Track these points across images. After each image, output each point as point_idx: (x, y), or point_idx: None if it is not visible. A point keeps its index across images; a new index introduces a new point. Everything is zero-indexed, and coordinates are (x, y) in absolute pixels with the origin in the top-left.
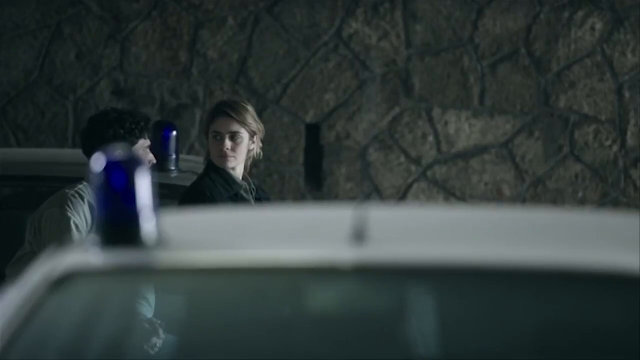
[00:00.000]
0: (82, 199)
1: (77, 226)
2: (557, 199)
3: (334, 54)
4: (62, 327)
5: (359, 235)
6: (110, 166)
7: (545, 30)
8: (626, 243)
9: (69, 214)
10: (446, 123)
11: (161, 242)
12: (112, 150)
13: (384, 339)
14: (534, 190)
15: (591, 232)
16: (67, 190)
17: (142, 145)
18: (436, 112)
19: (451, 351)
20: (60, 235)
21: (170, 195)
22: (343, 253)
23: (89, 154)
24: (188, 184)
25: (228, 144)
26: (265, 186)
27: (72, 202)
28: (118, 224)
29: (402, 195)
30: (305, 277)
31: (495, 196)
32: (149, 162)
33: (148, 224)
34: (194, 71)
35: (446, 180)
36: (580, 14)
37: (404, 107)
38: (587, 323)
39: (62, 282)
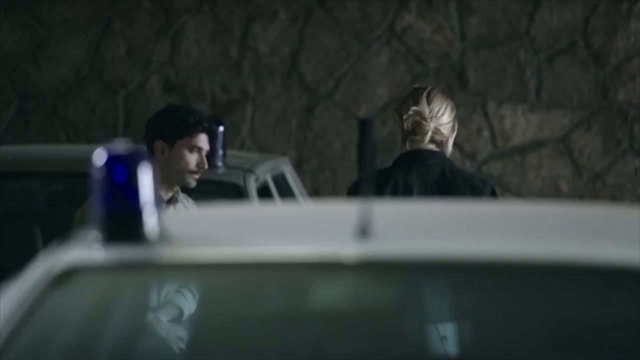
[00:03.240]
0: None
1: None
2: (616, 195)
3: (386, 48)
4: (63, 323)
5: (364, 231)
6: (112, 160)
7: (604, 22)
8: None
9: None
10: (501, 117)
11: (163, 237)
12: (114, 145)
13: (389, 334)
14: (592, 186)
15: (601, 226)
16: None
17: (188, 144)
18: (491, 106)
19: (456, 347)
20: None
21: (216, 192)
22: (348, 248)
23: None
24: (235, 180)
25: None
26: (317, 182)
27: None
28: (120, 219)
29: None
30: (309, 273)
31: (552, 192)
32: (199, 165)
33: (150, 219)
34: (245, 66)
35: (502, 175)
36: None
37: (459, 101)
38: (598, 318)
39: (63, 277)
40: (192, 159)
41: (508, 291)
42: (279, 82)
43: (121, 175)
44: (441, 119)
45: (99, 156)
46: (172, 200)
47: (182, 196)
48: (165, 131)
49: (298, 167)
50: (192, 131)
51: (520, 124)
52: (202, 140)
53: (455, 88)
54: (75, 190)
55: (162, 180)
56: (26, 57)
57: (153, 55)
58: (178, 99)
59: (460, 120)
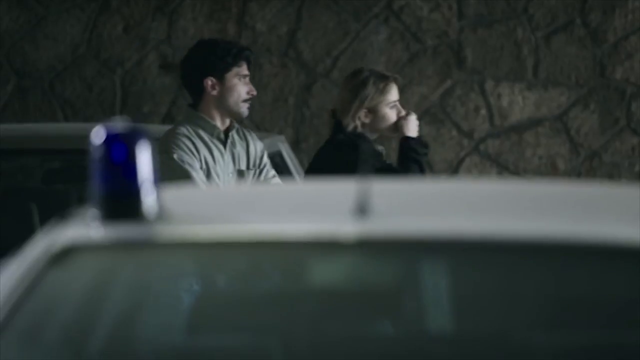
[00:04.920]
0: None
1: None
2: (613, 173)
3: (384, 26)
4: (61, 302)
5: (362, 209)
6: (111, 139)
7: (601, 0)
8: None
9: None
10: (499, 95)
11: (162, 215)
12: (112, 123)
13: (387, 312)
14: (589, 164)
15: (599, 205)
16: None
17: (237, 74)
18: (489, 85)
19: (454, 325)
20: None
21: None
22: (346, 226)
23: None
24: None
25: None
26: None
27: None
28: (118, 197)
29: (453, 170)
30: (308, 251)
31: (549, 170)
32: (249, 92)
33: (149, 197)
34: (242, 44)
35: (499, 154)
36: None
37: (456, 79)
38: (598, 297)
39: (61, 256)
40: (242, 88)
41: (507, 269)
42: (276, 61)
43: (120, 153)
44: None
45: (98, 134)
46: (229, 129)
47: (236, 126)
48: (213, 67)
49: (295, 145)
50: (238, 61)
51: (518, 102)
52: (246, 68)
53: (453, 66)
54: (72, 168)
55: (216, 114)
56: (23, 35)
57: (150, 33)
58: (175, 78)
59: (458, 98)
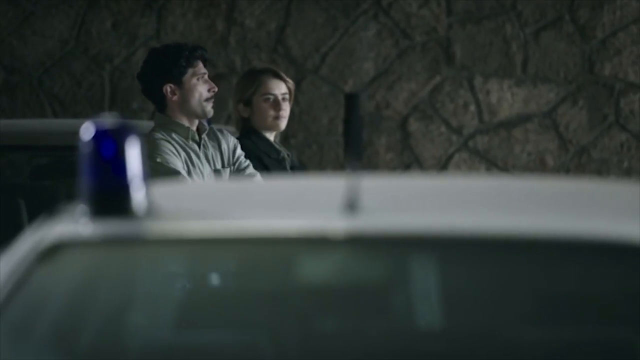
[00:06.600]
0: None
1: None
2: (601, 169)
3: (373, 22)
4: (50, 298)
5: (351, 205)
6: (100, 135)
7: None
8: (632, 212)
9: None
10: (488, 92)
11: (151, 212)
12: (101, 119)
13: (376, 309)
14: (578, 160)
15: (588, 201)
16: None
17: (194, 74)
18: (478, 81)
19: (444, 321)
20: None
21: None
22: (335, 223)
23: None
24: None
25: (283, 105)
26: (303, 157)
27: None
28: (107, 193)
29: (442, 166)
30: (297, 247)
31: (538, 166)
32: (210, 90)
33: (138, 193)
34: (231, 40)
35: (488, 150)
36: None
37: (445, 75)
38: (586, 293)
39: (50, 252)
40: (202, 87)
41: (496, 265)
42: (265, 57)
43: (109, 149)
44: None
45: (87, 130)
46: (200, 131)
47: (207, 128)
48: (169, 73)
49: (284, 141)
50: (193, 61)
51: (507, 98)
52: (202, 67)
53: (442, 62)
54: (60, 164)
55: (183, 118)
56: (11, 30)
57: (139, 29)
58: None
59: (447, 94)
